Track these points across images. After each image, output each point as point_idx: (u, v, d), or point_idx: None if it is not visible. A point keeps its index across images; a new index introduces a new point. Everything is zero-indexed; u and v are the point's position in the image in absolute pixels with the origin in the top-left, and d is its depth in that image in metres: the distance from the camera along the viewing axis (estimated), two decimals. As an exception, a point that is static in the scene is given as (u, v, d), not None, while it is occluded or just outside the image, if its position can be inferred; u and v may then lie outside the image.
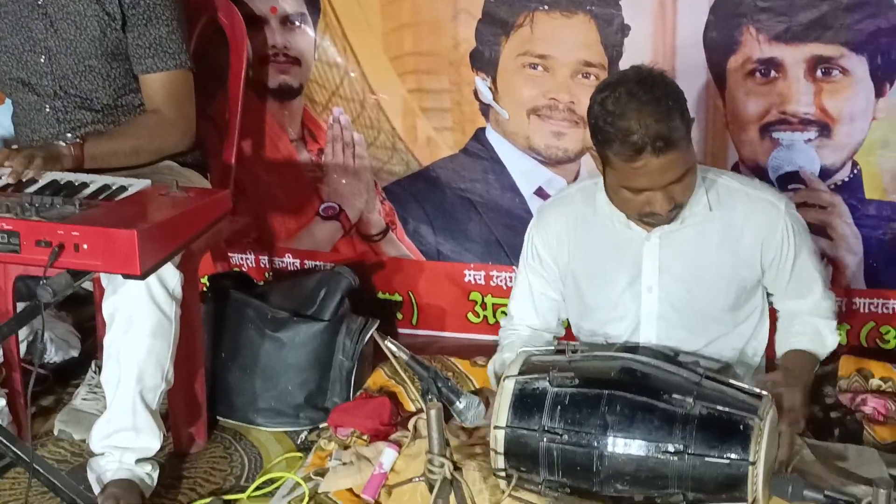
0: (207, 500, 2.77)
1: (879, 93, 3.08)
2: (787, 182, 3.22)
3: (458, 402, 2.34)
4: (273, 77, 3.60)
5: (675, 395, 2.22)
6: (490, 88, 3.37)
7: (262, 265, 3.87)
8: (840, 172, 3.20)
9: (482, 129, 3.44)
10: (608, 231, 2.60)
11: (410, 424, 2.83)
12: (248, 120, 3.51)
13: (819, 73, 3.08)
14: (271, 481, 2.82)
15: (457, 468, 2.19)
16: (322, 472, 2.78)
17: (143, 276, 2.38)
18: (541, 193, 3.41)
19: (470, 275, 3.63)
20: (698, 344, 2.64)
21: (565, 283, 2.72)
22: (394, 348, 2.32)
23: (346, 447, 2.88)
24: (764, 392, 2.28)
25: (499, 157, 3.45)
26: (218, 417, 3.22)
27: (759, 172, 3.21)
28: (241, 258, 3.87)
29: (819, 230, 3.22)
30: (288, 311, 3.25)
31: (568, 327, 2.84)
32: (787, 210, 2.57)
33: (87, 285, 3.04)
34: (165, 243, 2.43)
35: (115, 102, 3.05)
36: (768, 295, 2.73)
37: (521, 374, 2.35)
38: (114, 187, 2.64)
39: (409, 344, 3.52)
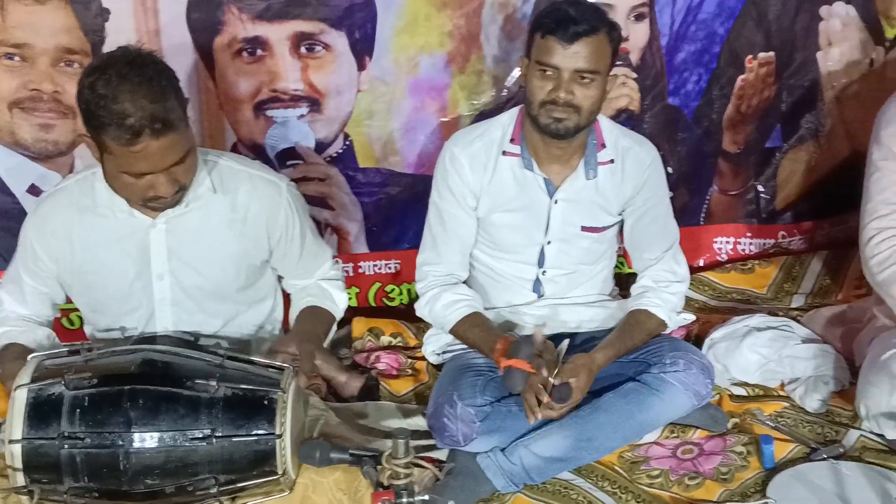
0: None
1: (361, 66, 3.25)
2: (286, 159, 3.31)
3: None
4: None
5: (198, 381, 2.20)
6: (-40, 83, 3.10)
7: None
8: (334, 145, 3.34)
9: (-43, 127, 3.16)
10: (111, 221, 2.51)
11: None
12: None
13: (303, 49, 3.18)
14: None
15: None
16: None
17: None
18: (34, 191, 3.20)
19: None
20: (216, 325, 2.65)
21: (71, 280, 2.60)
22: None
23: None
24: (285, 364, 2.34)
25: (-18, 155, 3.19)
26: None
27: (257, 151, 3.26)
28: None
29: (320, 202, 3.35)
30: None
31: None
32: (289, 189, 2.64)
33: None
34: None
35: None
36: (280, 277, 2.81)
37: (33, 381, 2.21)
38: None
39: None
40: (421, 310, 2.94)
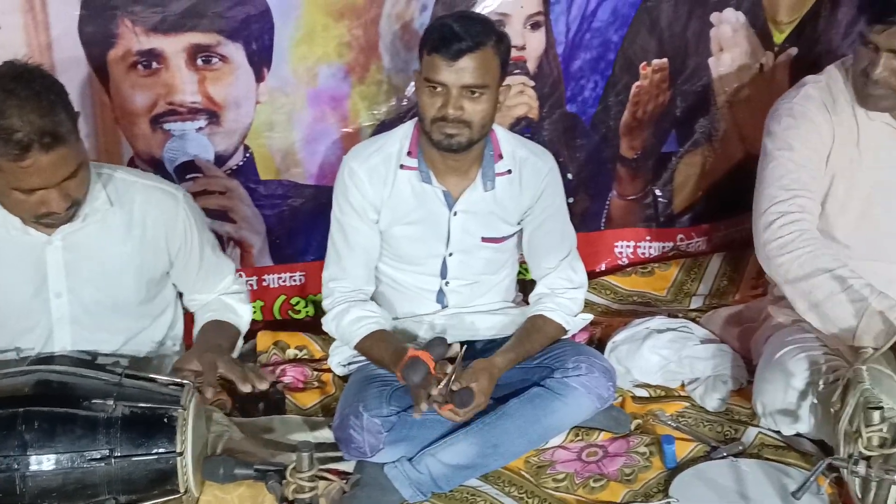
0: None
1: (259, 77, 3.22)
2: (185, 172, 3.26)
3: None
4: None
5: (95, 401, 2.17)
6: None
7: None
8: (234, 157, 3.31)
9: None
10: (5, 240, 2.46)
11: None
12: None
13: (200, 61, 3.14)
14: None
15: None
16: None
17: None
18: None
19: None
20: (117, 342, 2.61)
21: (-32, 300, 2.53)
22: None
23: None
24: (185, 381, 2.31)
25: None
26: None
27: (155, 165, 3.21)
28: None
29: (221, 215, 3.32)
30: None
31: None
32: (186, 200, 2.62)
33: None
34: None
35: None
36: (181, 295, 2.78)
37: (-78, 406, 2.15)
38: None
39: None
40: (328, 325, 2.93)
